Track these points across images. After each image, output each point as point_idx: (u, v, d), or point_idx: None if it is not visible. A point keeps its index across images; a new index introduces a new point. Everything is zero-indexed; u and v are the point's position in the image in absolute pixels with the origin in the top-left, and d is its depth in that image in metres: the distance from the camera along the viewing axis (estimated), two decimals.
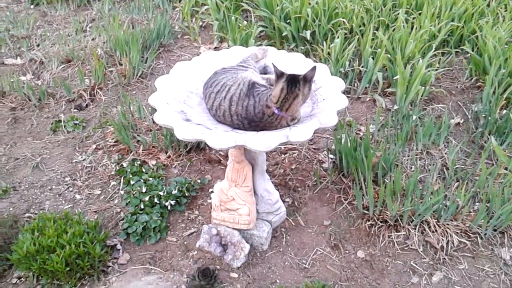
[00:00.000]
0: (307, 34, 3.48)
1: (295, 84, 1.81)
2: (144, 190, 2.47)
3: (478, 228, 2.29)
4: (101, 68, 3.37)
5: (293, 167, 2.70)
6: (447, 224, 2.29)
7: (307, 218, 2.41)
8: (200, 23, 4.10)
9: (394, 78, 3.06)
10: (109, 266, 2.18)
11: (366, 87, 3.22)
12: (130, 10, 4.34)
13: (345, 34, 3.48)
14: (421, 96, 3.02)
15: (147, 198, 2.41)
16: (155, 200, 2.41)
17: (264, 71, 2.24)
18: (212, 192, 2.50)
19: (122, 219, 2.40)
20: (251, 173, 2.11)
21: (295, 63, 2.19)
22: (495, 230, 2.30)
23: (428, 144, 2.75)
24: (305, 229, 2.36)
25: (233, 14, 3.80)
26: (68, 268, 2.03)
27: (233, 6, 4.00)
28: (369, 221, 2.35)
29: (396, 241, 2.27)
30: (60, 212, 2.40)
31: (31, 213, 2.46)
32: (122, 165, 2.69)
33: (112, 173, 2.68)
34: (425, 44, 3.30)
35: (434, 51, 3.29)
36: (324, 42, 3.38)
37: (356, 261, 2.21)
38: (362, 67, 3.24)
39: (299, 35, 3.57)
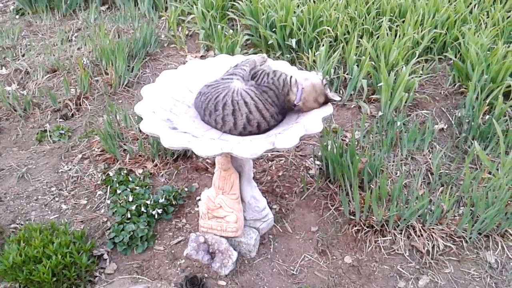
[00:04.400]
0: (293, 42, 3.51)
1: None
2: (130, 199, 2.47)
3: (463, 232, 2.32)
4: (86, 78, 3.37)
5: (280, 174, 2.71)
6: (433, 228, 2.32)
7: (295, 225, 2.42)
8: (186, 32, 4.11)
9: (379, 85, 3.10)
10: (96, 276, 2.17)
11: (351, 94, 3.25)
12: (116, 19, 4.33)
13: (330, 42, 3.52)
14: (405, 102, 3.06)
15: (133, 207, 2.40)
16: (142, 209, 2.40)
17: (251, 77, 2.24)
18: (199, 200, 2.50)
19: (109, 229, 2.39)
20: (238, 181, 2.12)
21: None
22: (480, 234, 2.33)
23: (412, 149, 2.79)
24: (293, 236, 2.37)
25: (219, 23, 3.82)
26: (54, 279, 2.02)
27: (219, 15, 4.02)
28: (355, 226, 2.36)
29: (383, 246, 2.29)
30: (46, 223, 2.39)
31: (17, 223, 2.44)
32: (108, 174, 2.68)
33: (98, 182, 2.67)
34: (408, 51, 3.34)
35: (418, 58, 3.34)
36: (310, 50, 3.41)
37: (343, 267, 2.23)
38: (347, 74, 3.28)
39: (284, 43, 3.60)
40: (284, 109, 1.99)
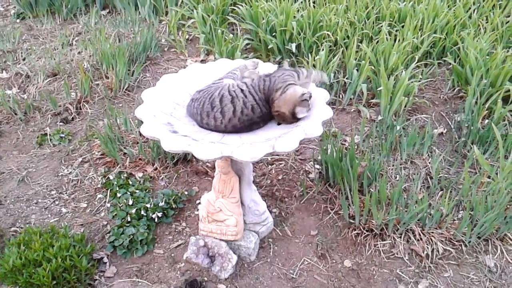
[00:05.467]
0: (293, 47, 3.53)
1: None
2: (130, 202, 2.47)
3: (462, 236, 2.32)
4: (87, 82, 3.38)
5: (280, 177, 2.72)
6: (432, 232, 2.32)
7: (294, 228, 2.43)
8: (187, 36, 4.13)
9: (378, 89, 3.11)
10: (96, 280, 2.17)
11: (351, 98, 3.26)
12: (116, 23, 4.35)
13: (330, 46, 3.53)
14: (405, 106, 3.07)
15: (133, 211, 2.41)
16: (142, 212, 2.41)
17: None
18: (199, 203, 2.51)
19: (109, 232, 2.39)
20: (238, 184, 2.13)
21: None
22: (479, 238, 2.33)
23: (412, 153, 2.79)
24: (292, 239, 2.37)
25: (219, 27, 3.83)
26: (54, 282, 2.02)
27: (219, 20, 4.04)
28: (355, 230, 2.37)
29: (382, 250, 2.30)
30: (46, 226, 2.39)
31: (17, 227, 2.45)
32: (108, 178, 2.69)
33: (99, 186, 2.67)
34: (408, 55, 3.36)
35: (417, 62, 3.35)
36: (309, 55, 3.42)
37: (343, 270, 2.23)
38: (346, 78, 3.29)
39: (284, 47, 3.62)
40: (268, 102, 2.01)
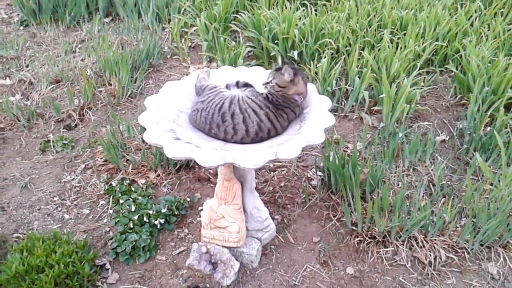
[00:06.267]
0: (295, 54, 3.54)
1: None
2: (133, 209, 2.47)
3: (465, 243, 2.32)
4: (90, 88, 3.39)
5: (282, 184, 2.72)
6: (435, 239, 2.32)
7: (297, 235, 2.43)
8: (189, 44, 4.15)
9: (380, 96, 3.12)
10: (98, 286, 2.17)
11: (353, 106, 3.27)
12: (119, 31, 4.37)
13: (332, 54, 3.55)
14: (407, 114, 3.08)
15: (136, 217, 2.41)
16: (145, 219, 2.41)
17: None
18: (201, 210, 2.51)
19: (111, 239, 2.40)
20: (240, 191, 2.13)
21: None
22: (482, 245, 2.33)
23: (414, 161, 2.79)
24: (295, 246, 2.37)
25: (221, 35, 3.85)
26: None
27: (222, 27, 4.06)
28: (357, 237, 2.37)
29: (385, 257, 2.29)
30: (49, 232, 2.39)
31: (20, 233, 2.45)
32: (111, 184, 2.69)
33: (101, 192, 2.68)
34: (410, 63, 3.37)
35: (419, 70, 3.36)
36: (312, 62, 3.43)
37: (345, 278, 2.22)
38: (348, 86, 3.30)
39: (287, 55, 3.63)
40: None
